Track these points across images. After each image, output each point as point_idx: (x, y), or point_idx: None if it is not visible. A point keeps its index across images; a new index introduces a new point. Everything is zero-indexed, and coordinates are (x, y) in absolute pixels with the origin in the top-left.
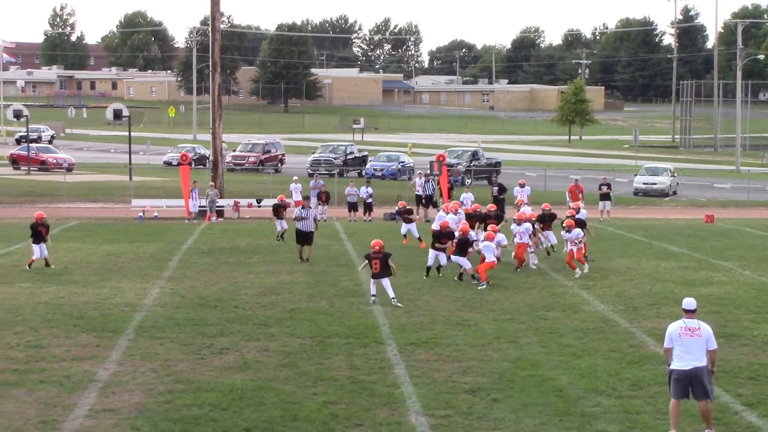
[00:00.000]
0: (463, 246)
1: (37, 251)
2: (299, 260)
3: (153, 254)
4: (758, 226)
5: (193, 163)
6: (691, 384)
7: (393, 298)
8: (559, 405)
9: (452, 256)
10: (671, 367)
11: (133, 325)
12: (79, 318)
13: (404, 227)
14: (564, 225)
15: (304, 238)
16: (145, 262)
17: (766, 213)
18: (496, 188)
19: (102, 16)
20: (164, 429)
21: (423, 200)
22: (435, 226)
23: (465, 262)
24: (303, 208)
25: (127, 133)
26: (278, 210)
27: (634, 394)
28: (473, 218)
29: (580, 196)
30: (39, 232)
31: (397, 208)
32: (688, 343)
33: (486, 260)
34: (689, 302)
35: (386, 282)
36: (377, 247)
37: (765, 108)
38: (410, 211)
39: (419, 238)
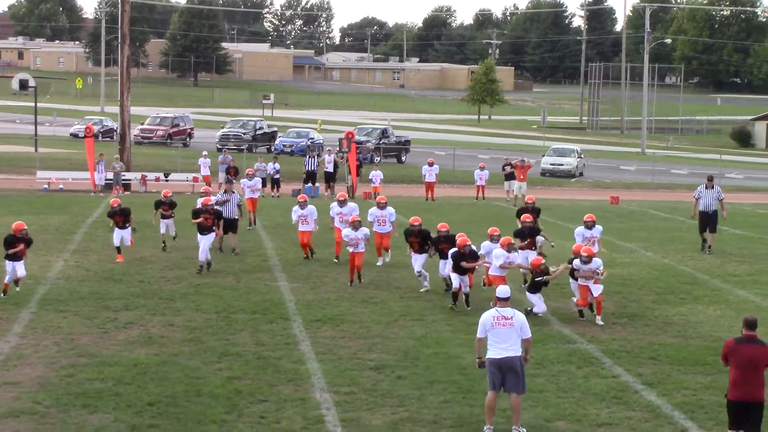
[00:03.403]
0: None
1: None
2: (218, 251)
3: (58, 227)
4: (662, 208)
5: (100, 135)
6: (504, 374)
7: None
8: (463, 383)
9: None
10: (487, 356)
11: (36, 298)
12: None
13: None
14: (583, 253)
15: (226, 225)
16: (50, 234)
17: (670, 195)
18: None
19: None
20: (66, 403)
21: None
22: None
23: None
24: (225, 192)
25: (33, 104)
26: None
27: (537, 373)
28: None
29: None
30: None
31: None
32: (502, 332)
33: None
34: (503, 290)
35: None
36: (417, 224)
37: (670, 91)
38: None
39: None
